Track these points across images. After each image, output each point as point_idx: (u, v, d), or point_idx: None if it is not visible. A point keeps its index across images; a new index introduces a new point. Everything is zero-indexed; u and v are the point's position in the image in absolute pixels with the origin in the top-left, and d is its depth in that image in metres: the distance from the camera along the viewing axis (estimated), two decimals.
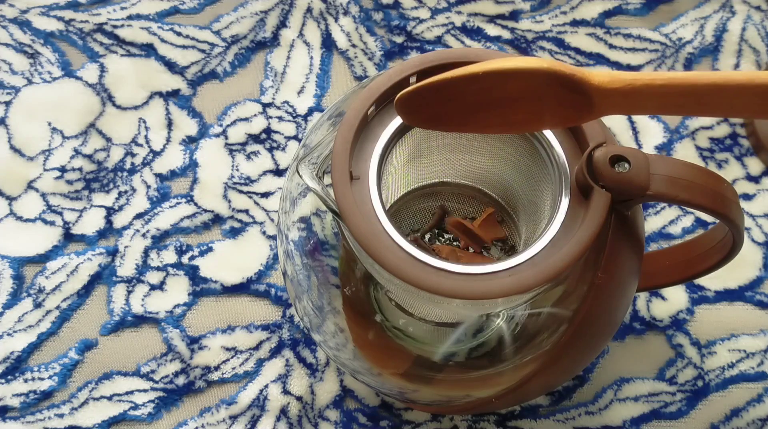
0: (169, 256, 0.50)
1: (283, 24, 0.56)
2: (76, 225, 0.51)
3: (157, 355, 0.48)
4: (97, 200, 0.52)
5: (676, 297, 0.50)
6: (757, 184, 0.53)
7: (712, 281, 0.50)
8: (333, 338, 0.42)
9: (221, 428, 0.47)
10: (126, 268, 0.50)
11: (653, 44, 0.56)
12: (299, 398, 0.47)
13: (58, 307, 0.49)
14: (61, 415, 0.47)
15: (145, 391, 0.48)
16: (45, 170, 0.52)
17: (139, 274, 0.50)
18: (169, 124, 0.54)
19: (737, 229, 0.36)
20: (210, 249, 0.51)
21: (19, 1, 0.57)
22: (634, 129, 0.54)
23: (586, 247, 0.33)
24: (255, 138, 0.53)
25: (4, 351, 0.48)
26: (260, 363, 0.48)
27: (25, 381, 0.48)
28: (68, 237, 0.51)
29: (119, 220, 0.51)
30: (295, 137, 0.53)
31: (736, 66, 0.56)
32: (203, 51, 0.56)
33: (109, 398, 0.47)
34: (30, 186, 0.52)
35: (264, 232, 0.51)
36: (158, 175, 0.52)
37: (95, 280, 0.50)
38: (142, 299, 0.49)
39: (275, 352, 0.48)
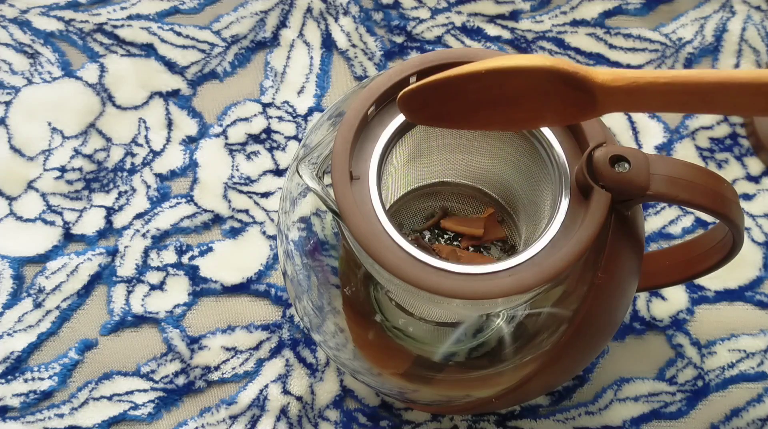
0: (169, 256, 0.50)
1: (283, 24, 0.56)
2: (76, 225, 0.51)
3: (157, 355, 0.48)
4: (97, 200, 0.52)
5: (676, 297, 0.50)
6: (757, 184, 0.53)
7: (712, 281, 0.50)
8: (333, 338, 0.42)
9: (221, 428, 0.47)
10: (126, 268, 0.50)
11: (653, 44, 0.56)
12: (299, 398, 0.47)
13: (58, 307, 0.49)
14: (61, 415, 0.47)
15: (145, 391, 0.48)
16: (45, 170, 0.52)
17: (139, 274, 0.50)
18: (169, 124, 0.54)
19: (737, 229, 0.36)
20: (210, 249, 0.51)
21: (19, 1, 0.57)
22: (634, 129, 0.54)
23: (586, 247, 0.33)
24: (255, 138, 0.53)
25: (4, 351, 0.48)
26: (260, 363, 0.48)
27: (25, 381, 0.48)
28: (68, 237, 0.51)
29: (119, 220, 0.51)
30: (295, 137, 0.53)
31: (736, 66, 0.56)
32: (203, 51, 0.56)
33: (109, 398, 0.47)
34: (30, 186, 0.52)
35: (264, 232, 0.51)
36: (158, 175, 0.52)
37: (95, 280, 0.50)
38: (142, 299, 0.49)
39: (275, 352, 0.48)
